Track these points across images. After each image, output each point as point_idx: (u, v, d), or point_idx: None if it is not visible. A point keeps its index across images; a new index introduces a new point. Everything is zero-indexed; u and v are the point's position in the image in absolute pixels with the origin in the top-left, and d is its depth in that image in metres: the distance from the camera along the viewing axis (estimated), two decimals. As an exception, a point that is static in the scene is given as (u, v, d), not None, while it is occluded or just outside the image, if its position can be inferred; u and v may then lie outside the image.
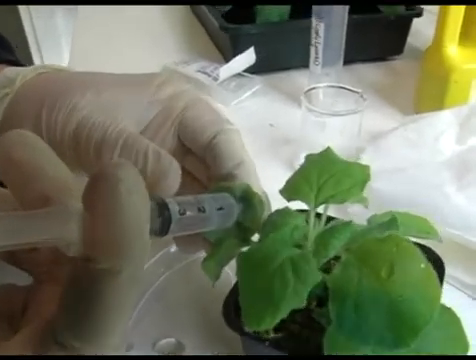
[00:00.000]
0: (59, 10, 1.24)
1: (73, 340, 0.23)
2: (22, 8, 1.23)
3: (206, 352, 0.45)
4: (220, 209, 0.36)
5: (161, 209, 0.31)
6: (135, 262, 0.23)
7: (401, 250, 0.33)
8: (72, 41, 1.03)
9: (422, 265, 0.32)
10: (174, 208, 0.32)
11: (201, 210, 0.34)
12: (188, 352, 0.45)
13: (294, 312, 0.38)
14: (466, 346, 0.34)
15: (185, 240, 0.44)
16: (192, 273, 0.52)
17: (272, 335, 0.38)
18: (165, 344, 0.46)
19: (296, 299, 0.33)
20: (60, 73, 0.48)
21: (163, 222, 0.31)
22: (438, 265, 0.41)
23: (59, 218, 0.23)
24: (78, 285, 0.23)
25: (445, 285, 0.43)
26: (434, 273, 0.32)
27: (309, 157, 0.42)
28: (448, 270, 0.43)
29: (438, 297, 0.31)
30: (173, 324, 0.48)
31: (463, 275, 0.50)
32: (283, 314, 0.33)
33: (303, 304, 0.33)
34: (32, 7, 1.22)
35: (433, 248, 0.43)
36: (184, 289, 0.51)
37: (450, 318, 0.34)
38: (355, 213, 0.53)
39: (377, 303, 0.31)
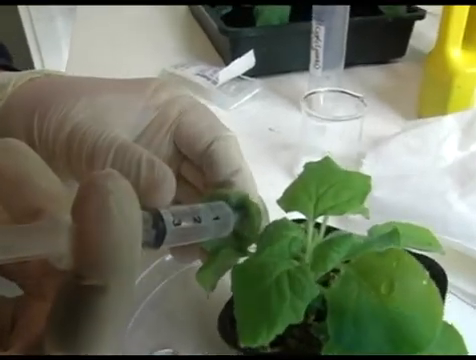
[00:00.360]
0: (59, 13, 1.23)
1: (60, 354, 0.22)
2: (22, 11, 1.23)
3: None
4: (216, 218, 0.35)
5: (155, 220, 0.30)
6: (125, 278, 0.22)
7: (402, 265, 0.32)
8: (70, 43, 1.02)
9: (424, 282, 0.31)
10: (168, 219, 0.31)
11: (197, 220, 0.33)
12: (184, 363, 0.44)
13: (292, 326, 0.37)
14: None
15: (181, 249, 0.43)
16: (189, 281, 0.51)
17: (269, 350, 0.37)
18: (161, 354, 0.45)
19: (293, 314, 0.32)
20: (53, 78, 0.47)
21: (157, 233, 0.30)
22: (441, 277, 0.40)
23: (50, 233, 0.22)
24: (66, 301, 0.22)
25: (447, 295, 0.41)
26: (436, 290, 0.31)
27: (308, 166, 0.40)
28: (450, 280, 0.42)
29: (440, 315, 0.30)
30: (170, 334, 0.47)
31: (465, 285, 0.49)
32: (279, 330, 0.32)
33: (300, 319, 0.32)
34: (32, 9, 1.22)
35: (435, 258, 0.42)
36: (181, 298, 0.50)
37: (452, 336, 0.33)
38: (356, 222, 0.52)
39: (377, 320, 0.30)
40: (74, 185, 0.41)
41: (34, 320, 0.26)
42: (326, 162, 0.41)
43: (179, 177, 0.46)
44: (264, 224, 0.40)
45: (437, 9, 0.75)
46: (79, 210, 0.22)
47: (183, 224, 0.32)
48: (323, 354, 0.32)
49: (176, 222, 0.31)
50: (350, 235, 0.36)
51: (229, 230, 0.37)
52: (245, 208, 0.38)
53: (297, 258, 0.36)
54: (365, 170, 0.60)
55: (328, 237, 0.37)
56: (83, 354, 0.22)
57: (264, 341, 0.32)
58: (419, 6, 0.93)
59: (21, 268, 0.28)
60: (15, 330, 0.27)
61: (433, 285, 0.31)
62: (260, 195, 0.43)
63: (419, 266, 0.32)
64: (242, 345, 0.32)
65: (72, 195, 0.23)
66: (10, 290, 0.29)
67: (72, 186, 0.26)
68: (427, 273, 0.32)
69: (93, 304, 0.22)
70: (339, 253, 0.34)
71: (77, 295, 0.22)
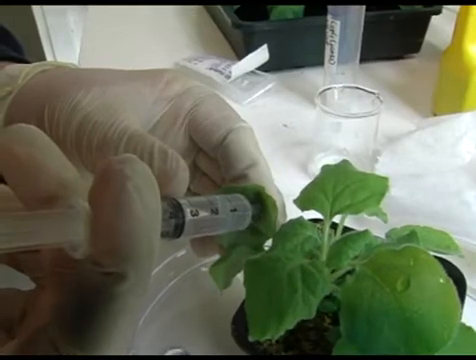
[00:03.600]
0: (71, 7, 1.24)
1: (68, 346, 0.22)
2: (35, 6, 1.23)
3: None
4: (233, 210, 0.35)
5: (175, 210, 0.30)
6: (142, 267, 0.22)
7: (419, 263, 0.31)
8: (82, 37, 1.02)
9: (441, 280, 0.30)
10: (187, 209, 0.30)
11: (214, 211, 0.33)
12: (195, 363, 0.44)
13: (307, 329, 0.37)
14: None
15: (201, 243, 0.42)
16: (201, 279, 0.51)
17: (283, 354, 0.36)
18: (171, 354, 0.45)
19: (304, 309, 0.31)
20: (64, 70, 0.46)
21: (177, 224, 0.30)
22: (460, 281, 0.39)
23: (66, 219, 0.21)
24: (79, 289, 0.22)
25: (465, 299, 0.41)
26: (454, 289, 0.30)
27: (325, 168, 0.40)
28: (469, 283, 0.41)
29: (457, 315, 0.29)
30: (181, 333, 0.46)
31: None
32: (289, 324, 0.31)
33: (312, 315, 0.31)
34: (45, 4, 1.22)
35: (453, 260, 0.41)
36: (193, 296, 0.50)
37: (471, 338, 0.32)
38: (374, 223, 0.51)
39: (391, 318, 0.29)
40: (86, 176, 0.40)
41: (43, 310, 0.26)
42: (343, 164, 0.40)
43: (196, 169, 0.45)
44: (281, 218, 0.39)
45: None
46: (96, 196, 0.22)
47: (201, 215, 0.31)
48: (334, 353, 0.31)
49: (194, 213, 0.31)
50: (367, 232, 0.35)
51: (246, 223, 0.37)
52: (261, 202, 0.38)
53: (312, 256, 0.35)
54: (380, 168, 0.60)
55: (344, 235, 0.36)
56: (90, 347, 0.22)
57: (273, 335, 0.31)
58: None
59: (34, 259, 0.28)
60: (24, 322, 0.27)
61: (451, 284, 0.30)
62: (278, 188, 0.43)
63: (437, 264, 0.31)
64: (251, 339, 0.32)
65: (87, 182, 0.23)
66: (25, 283, 0.29)
67: (85, 177, 0.26)
68: (445, 271, 0.31)
69: (107, 293, 0.21)
70: (354, 250, 0.34)
71: (91, 283, 0.21)
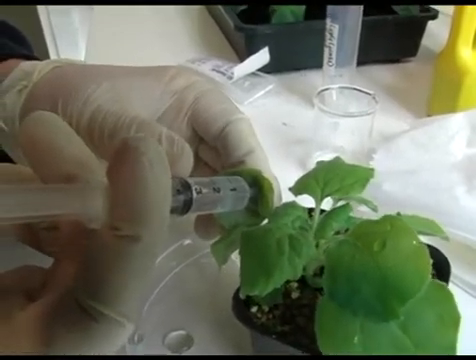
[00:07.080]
0: (76, 7, 1.25)
1: (91, 300, 0.24)
2: (40, 6, 1.25)
3: (214, 345, 0.46)
4: (233, 190, 0.37)
5: (183, 188, 0.32)
6: (154, 231, 0.24)
7: (395, 228, 0.34)
8: (87, 38, 1.04)
9: (414, 242, 0.33)
10: (192, 187, 0.33)
11: (216, 190, 0.35)
12: (196, 345, 0.46)
13: (302, 306, 0.39)
14: (457, 322, 0.33)
15: (204, 226, 0.46)
16: (205, 267, 0.53)
17: (279, 327, 0.39)
18: (175, 336, 0.47)
19: (290, 270, 0.34)
20: (75, 66, 0.49)
21: (185, 200, 0.32)
22: (444, 265, 0.41)
23: (85, 193, 0.24)
24: (100, 250, 0.24)
25: (451, 286, 0.43)
26: (426, 249, 0.32)
27: (319, 162, 0.44)
28: (455, 271, 0.43)
29: (428, 270, 0.32)
30: (184, 317, 0.48)
31: (470, 277, 0.51)
32: (277, 283, 0.34)
33: (297, 276, 0.35)
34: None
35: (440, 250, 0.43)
36: (197, 282, 0.52)
37: (442, 294, 0.34)
38: (365, 214, 0.53)
39: (368, 276, 0.32)
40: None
41: (62, 279, 0.28)
42: (336, 159, 0.44)
43: (198, 159, 0.48)
44: (277, 201, 0.42)
45: (449, 9, 0.76)
46: (114, 169, 0.24)
47: (204, 192, 0.34)
48: (317, 310, 0.34)
49: (198, 190, 0.33)
50: (348, 205, 0.39)
51: (245, 203, 0.39)
52: (258, 184, 0.40)
53: (301, 230, 0.39)
54: (375, 165, 0.62)
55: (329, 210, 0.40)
56: (109, 300, 0.24)
57: (261, 291, 0.34)
58: (432, 6, 0.94)
59: (51, 235, 0.30)
60: (45, 287, 0.29)
61: (423, 246, 0.33)
62: (275, 175, 0.45)
63: (411, 230, 0.33)
64: (242, 295, 0.35)
65: (103, 163, 0.25)
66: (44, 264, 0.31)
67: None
68: (418, 236, 0.33)
69: (124, 253, 0.24)
70: (338, 221, 0.38)
71: (109, 245, 0.24)
